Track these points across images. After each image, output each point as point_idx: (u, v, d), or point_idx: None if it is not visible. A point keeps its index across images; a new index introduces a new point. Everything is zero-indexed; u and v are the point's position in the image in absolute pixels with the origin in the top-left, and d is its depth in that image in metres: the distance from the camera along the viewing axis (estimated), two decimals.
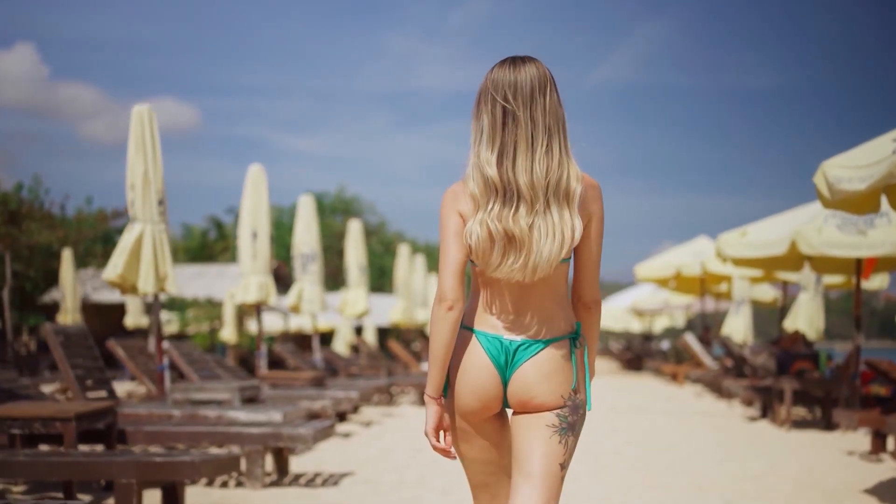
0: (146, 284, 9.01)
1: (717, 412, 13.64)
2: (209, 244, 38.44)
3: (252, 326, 26.40)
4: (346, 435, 10.20)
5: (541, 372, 2.78)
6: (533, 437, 2.80)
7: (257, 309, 12.74)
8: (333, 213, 45.11)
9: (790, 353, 11.49)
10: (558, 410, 2.79)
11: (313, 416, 10.14)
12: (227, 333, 19.88)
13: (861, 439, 10.08)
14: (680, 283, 21.61)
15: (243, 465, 7.08)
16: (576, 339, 2.84)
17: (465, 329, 2.85)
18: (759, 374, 13.29)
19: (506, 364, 2.80)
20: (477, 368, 2.80)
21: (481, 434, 2.87)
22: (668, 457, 8.63)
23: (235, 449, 6.80)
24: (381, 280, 39.12)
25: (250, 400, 9.53)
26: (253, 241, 12.29)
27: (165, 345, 10.78)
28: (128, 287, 9.10)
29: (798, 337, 12.33)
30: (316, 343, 15.08)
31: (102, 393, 7.91)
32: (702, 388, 19.25)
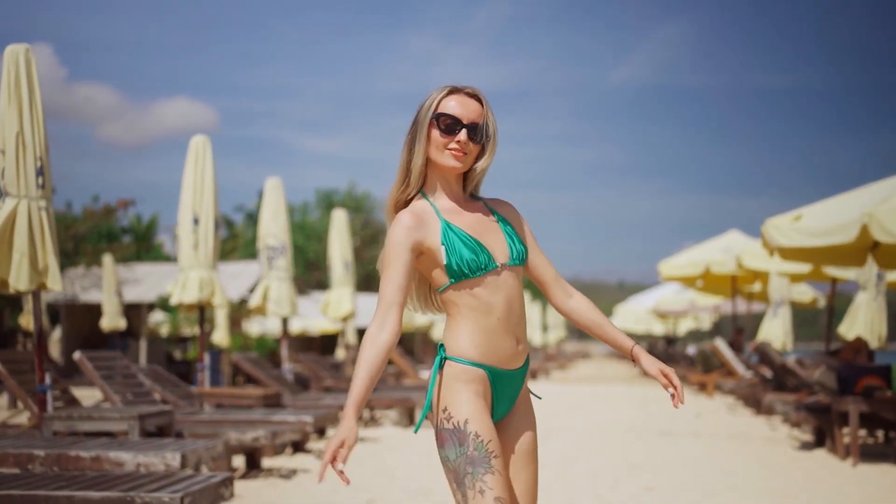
0: (19, 280, 6.88)
1: (758, 435, 11.32)
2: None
3: (253, 328, 24.33)
4: (290, 474, 7.96)
5: None
6: None
7: (200, 310, 10.54)
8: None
9: (854, 366, 9.18)
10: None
11: (248, 451, 7.95)
12: (219, 337, 17.83)
13: None
14: (708, 282, 19.72)
15: None
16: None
17: None
18: (812, 389, 10.98)
19: None
20: None
21: None
22: None
23: None
24: None
25: (160, 430, 7.36)
26: (194, 228, 10.10)
27: (76, 355, 8.68)
28: None
29: (861, 346, 10.01)
30: (284, 351, 12.86)
31: None
32: (734, 400, 17.08)
